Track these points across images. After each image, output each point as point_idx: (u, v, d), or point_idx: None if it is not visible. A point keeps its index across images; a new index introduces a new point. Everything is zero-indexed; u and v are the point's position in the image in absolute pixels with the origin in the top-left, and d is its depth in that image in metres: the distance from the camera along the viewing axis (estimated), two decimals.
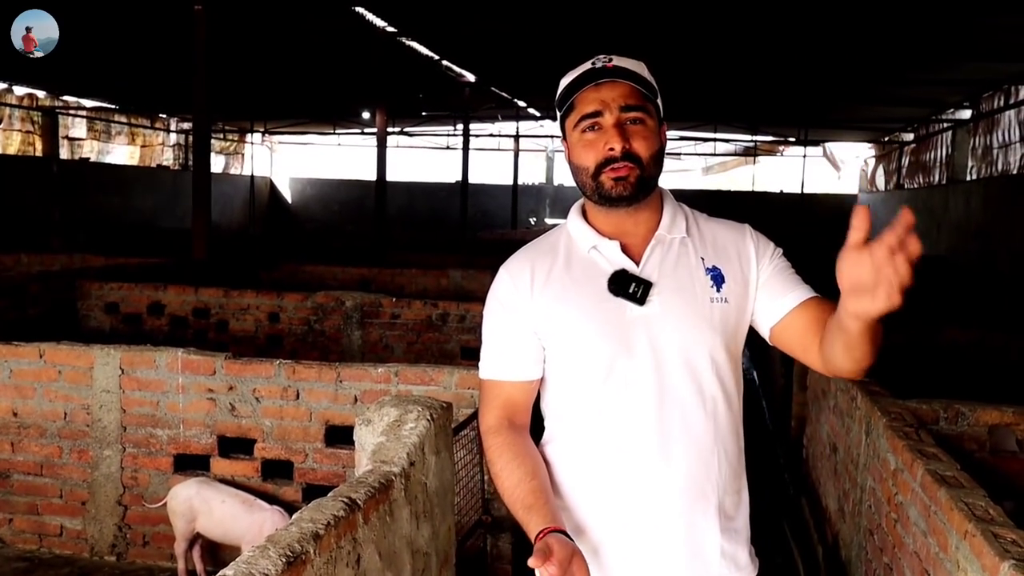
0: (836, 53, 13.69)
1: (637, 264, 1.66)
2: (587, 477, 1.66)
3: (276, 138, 30.72)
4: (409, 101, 21.31)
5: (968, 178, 17.77)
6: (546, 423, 1.75)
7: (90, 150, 22.44)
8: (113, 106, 22.73)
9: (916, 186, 21.50)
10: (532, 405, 1.75)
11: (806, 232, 21.68)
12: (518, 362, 1.70)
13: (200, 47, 9.45)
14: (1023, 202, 13.89)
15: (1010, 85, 15.18)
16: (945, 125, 18.98)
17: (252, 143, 29.53)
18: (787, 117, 22.14)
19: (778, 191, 27.93)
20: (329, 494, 1.81)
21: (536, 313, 1.68)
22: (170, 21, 11.90)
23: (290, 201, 31.54)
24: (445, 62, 16.38)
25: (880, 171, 25.68)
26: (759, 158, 28.70)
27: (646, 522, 1.62)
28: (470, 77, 18.03)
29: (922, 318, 7.53)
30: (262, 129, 28.61)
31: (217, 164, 27.43)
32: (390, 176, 17.47)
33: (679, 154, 28.23)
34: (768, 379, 6.93)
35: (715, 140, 26.72)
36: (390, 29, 13.47)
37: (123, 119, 23.65)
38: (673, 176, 28.17)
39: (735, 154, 28.80)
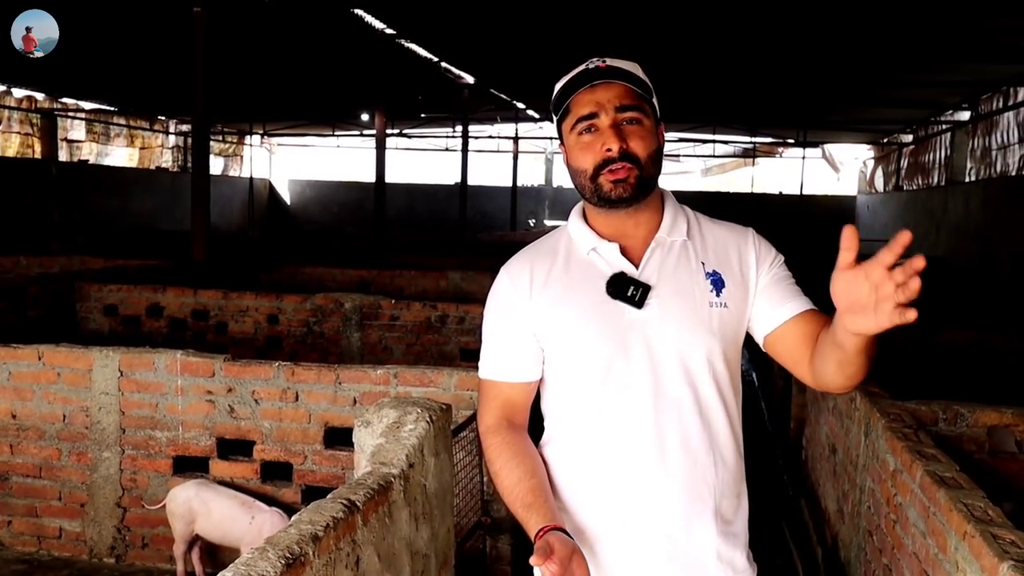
0: (835, 54, 13.71)
1: (636, 266, 1.66)
2: (585, 479, 1.66)
3: (275, 140, 30.73)
4: (408, 103, 21.31)
5: (967, 179, 17.78)
6: (545, 424, 1.75)
7: (89, 152, 22.44)
8: (112, 108, 22.74)
9: (915, 187, 21.52)
10: (531, 405, 1.75)
11: (805, 233, 21.72)
12: (517, 363, 1.70)
13: (199, 49, 9.46)
14: (1022, 203, 13.90)
15: (1009, 87, 15.20)
16: (944, 127, 19.00)
17: (251, 145, 29.53)
18: (786, 118, 22.16)
19: (777, 192, 27.94)
20: (328, 496, 1.81)
21: (535, 314, 1.68)
22: (169, 23, 11.91)
23: (289, 203, 31.54)
24: (444, 64, 16.39)
25: (879, 172, 25.70)
26: (758, 160, 28.72)
27: (642, 525, 1.62)
28: (469, 79, 18.04)
29: (921, 319, 7.53)
30: (261, 131, 28.62)
31: (216, 166, 27.45)
32: (389, 178, 17.48)
33: (678, 156, 28.26)
34: (767, 380, 6.93)
35: (714, 142, 26.74)
36: (389, 31, 13.48)
37: (122, 121, 23.66)
38: (672, 178, 28.19)
39: (734, 156, 28.82)
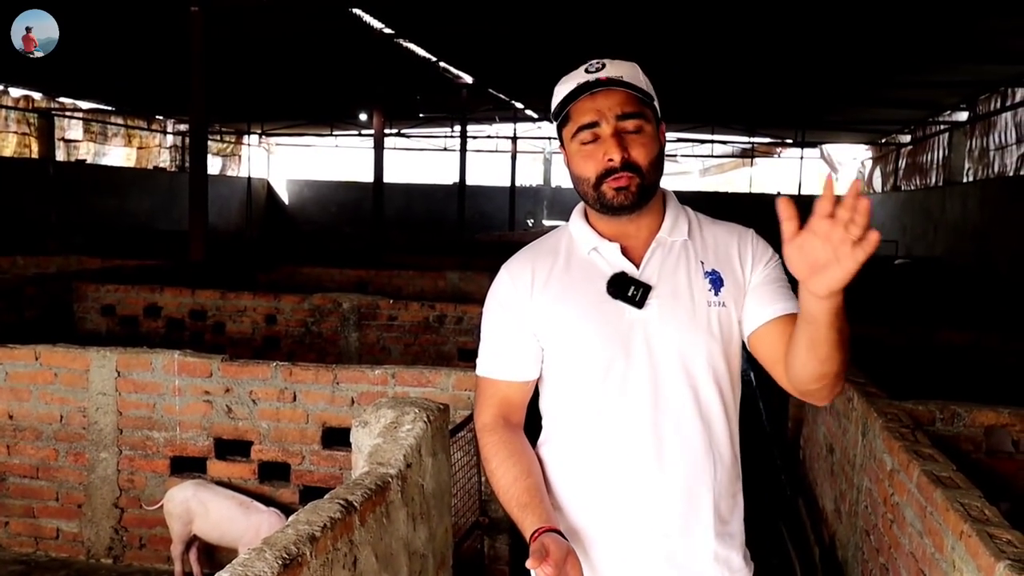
0: (833, 55, 13.73)
1: (637, 266, 1.66)
2: (582, 479, 1.66)
3: (273, 140, 30.73)
4: (406, 103, 21.32)
5: (965, 180, 17.81)
6: (543, 423, 1.75)
7: (86, 152, 22.43)
8: (109, 108, 22.73)
9: (913, 188, 21.55)
10: (528, 404, 1.75)
11: None
12: (515, 362, 1.70)
13: (197, 49, 9.45)
14: (1019, 203, 13.92)
15: (1006, 87, 15.23)
16: (942, 127, 19.03)
17: (249, 145, 29.53)
18: (784, 119, 22.19)
19: (775, 193, 27.96)
20: (325, 496, 1.81)
21: (535, 313, 1.68)
22: (167, 22, 11.91)
23: (287, 203, 31.53)
24: (442, 63, 16.39)
25: (877, 173, 25.73)
26: (756, 160, 28.75)
27: (639, 525, 1.62)
28: (467, 79, 18.04)
29: (919, 319, 7.55)
30: (259, 131, 28.62)
31: (214, 166, 27.45)
32: (387, 178, 17.50)
33: (676, 155, 28.27)
34: (765, 380, 6.91)
35: (712, 142, 26.77)
36: (387, 31, 13.48)
37: (119, 121, 23.65)
38: (671, 178, 28.20)
39: (732, 156, 28.85)
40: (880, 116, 20.55)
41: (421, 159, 30.47)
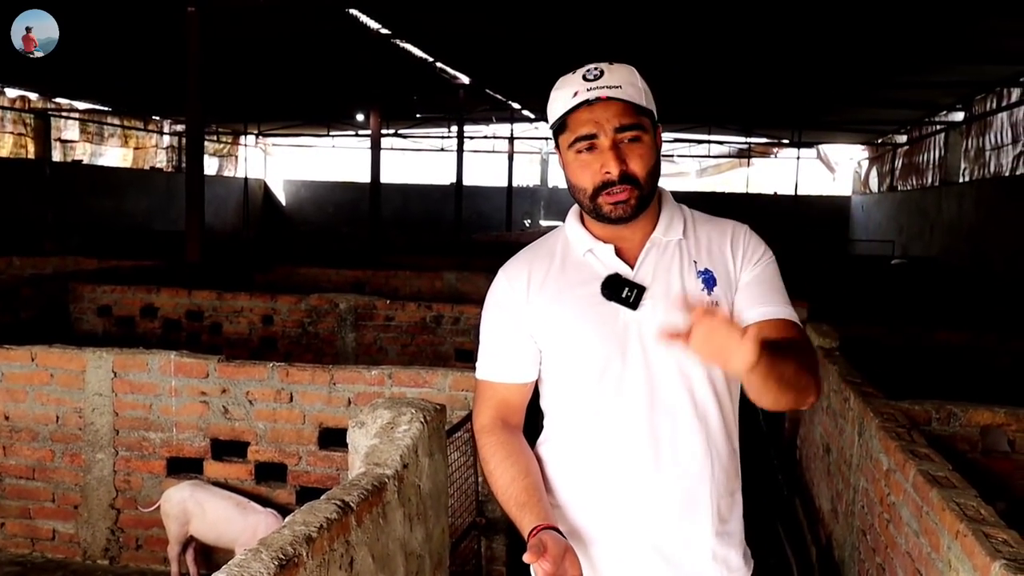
0: (830, 55, 13.74)
1: (632, 267, 1.66)
2: (580, 478, 1.67)
3: (270, 140, 30.70)
4: (403, 103, 21.30)
5: (961, 180, 17.84)
6: (544, 422, 1.75)
7: (83, 152, 22.39)
8: (106, 108, 22.69)
9: (909, 188, 21.59)
10: (527, 406, 1.75)
11: (800, 234, 21.76)
12: (513, 364, 1.71)
13: (193, 49, 9.43)
14: (1015, 203, 13.95)
15: (1002, 88, 15.25)
16: (938, 127, 19.06)
17: (246, 145, 29.50)
18: (781, 119, 22.21)
19: (772, 193, 28.00)
20: (322, 497, 1.81)
21: (532, 316, 1.69)
22: (163, 23, 11.88)
23: (284, 203, 31.50)
24: (439, 64, 16.38)
25: (873, 173, 25.77)
26: (753, 160, 28.77)
27: (637, 524, 1.62)
28: (464, 79, 18.03)
29: (915, 319, 7.56)
30: (256, 131, 28.58)
31: (211, 166, 27.40)
32: (384, 178, 17.49)
33: (673, 156, 28.29)
34: None
35: (709, 142, 26.77)
36: (384, 31, 13.47)
37: (116, 121, 23.61)
38: (668, 179, 28.20)
39: (729, 156, 28.87)
40: (876, 116, 20.58)
41: (418, 159, 30.45)
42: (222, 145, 28.89)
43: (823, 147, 27.32)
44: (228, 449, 4.18)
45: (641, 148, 1.61)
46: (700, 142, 26.64)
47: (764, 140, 27.10)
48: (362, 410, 2.32)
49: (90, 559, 4.23)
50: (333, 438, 4.04)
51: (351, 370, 4.06)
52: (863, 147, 26.60)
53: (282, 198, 31.56)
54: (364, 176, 18.58)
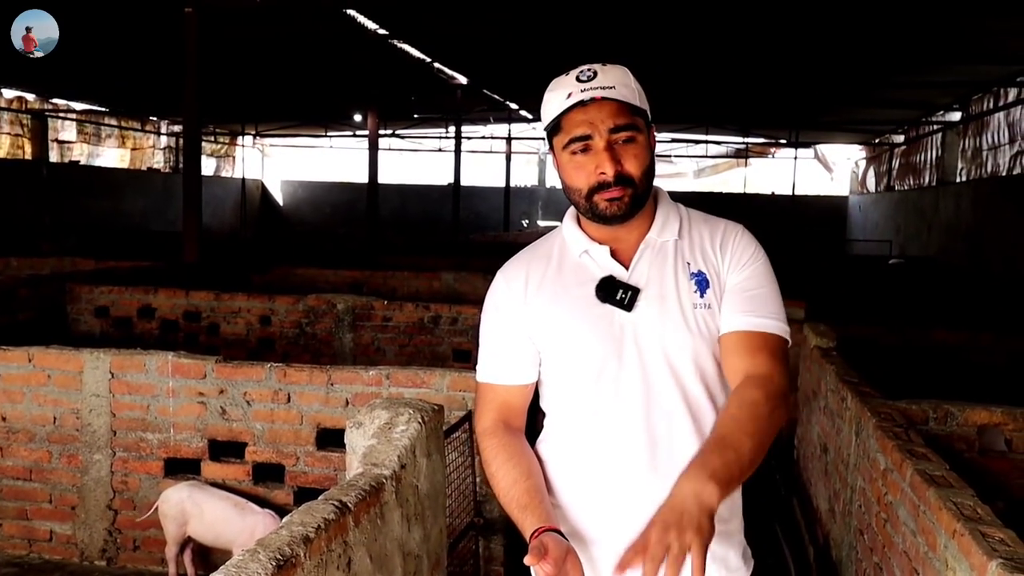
0: (827, 56, 13.76)
1: (627, 269, 1.67)
2: (578, 478, 1.67)
3: (267, 140, 30.68)
4: (401, 103, 21.30)
5: (958, 179, 17.87)
6: (544, 421, 1.76)
7: (80, 153, 22.37)
8: (103, 109, 22.67)
9: (906, 188, 21.61)
10: (528, 407, 1.76)
11: (797, 233, 21.79)
12: (513, 366, 1.71)
13: (191, 49, 9.43)
14: (1012, 203, 13.97)
15: (999, 88, 15.28)
16: (935, 127, 19.09)
17: (243, 146, 29.48)
18: (778, 119, 22.23)
19: (769, 193, 28.02)
20: (320, 497, 1.80)
21: (530, 317, 1.69)
22: (160, 23, 11.88)
23: (281, 204, 31.49)
24: (437, 64, 16.38)
25: (871, 173, 25.80)
26: (751, 160, 28.79)
27: (634, 524, 1.62)
28: (462, 79, 18.03)
29: (912, 319, 7.57)
30: (253, 132, 28.57)
31: (208, 167, 27.39)
32: (382, 178, 17.49)
33: (670, 156, 28.30)
34: None
35: (707, 142, 26.81)
36: (382, 31, 13.47)
37: (113, 122, 23.59)
38: (665, 179, 28.25)
39: (727, 156, 28.89)
40: (874, 116, 20.60)
41: (416, 160, 30.45)
42: (219, 146, 28.87)
43: (820, 147, 27.35)
44: (226, 450, 4.18)
45: (636, 148, 1.61)
46: (698, 142, 26.67)
47: (761, 140, 27.12)
48: (360, 410, 2.32)
49: (87, 560, 4.23)
50: (331, 439, 4.04)
51: (349, 370, 4.06)
52: (860, 147, 26.63)
53: (279, 199, 31.55)
54: (362, 176, 18.55)
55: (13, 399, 4.22)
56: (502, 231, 23.34)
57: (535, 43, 13.45)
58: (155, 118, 25.09)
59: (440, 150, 28.58)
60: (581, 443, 1.66)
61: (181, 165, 19.85)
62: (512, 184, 26.83)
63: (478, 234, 21.17)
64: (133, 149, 24.62)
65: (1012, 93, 14.86)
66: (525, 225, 28.01)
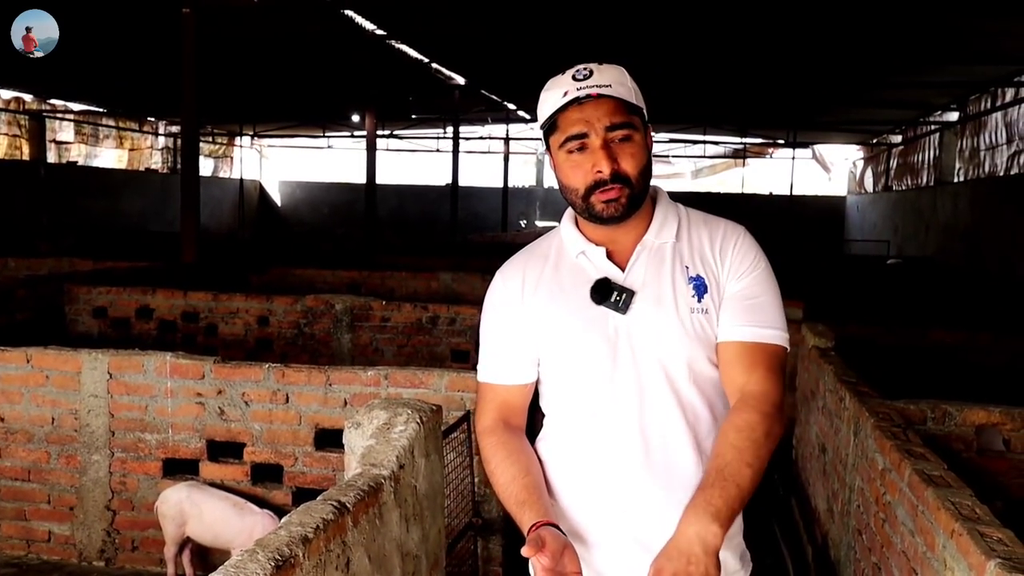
0: (825, 56, 13.76)
1: (623, 271, 1.66)
2: (574, 477, 1.68)
3: (265, 141, 30.66)
4: (399, 104, 21.29)
5: (956, 180, 17.88)
6: (543, 421, 1.76)
7: (78, 154, 22.34)
8: (101, 109, 22.65)
9: (904, 188, 21.63)
10: (528, 407, 1.76)
11: (795, 234, 21.80)
12: (512, 366, 1.72)
13: (188, 50, 9.42)
14: (1010, 203, 13.99)
15: (996, 87, 15.29)
16: (932, 127, 19.10)
17: (241, 146, 29.46)
18: (776, 119, 22.23)
19: (767, 193, 28.03)
20: (318, 497, 1.80)
21: (527, 317, 1.70)
22: (158, 24, 11.86)
23: (279, 204, 31.47)
24: (435, 65, 16.37)
25: (869, 173, 25.82)
26: (748, 160, 28.80)
27: (630, 526, 1.63)
28: (460, 80, 18.02)
29: (910, 319, 7.58)
30: (251, 132, 28.55)
31: (206, 167, 27.36)
32: (380, 179, 17.48)
33: (668, 156, 28.31)
34: None
35: (704, 142, 26.81)
36: (379, 32, 13.46)
37: (111, 122, 23.56)
38: (663, 180, 28.24)
39: (724, 156, 28.90)
40: (871, 116, 20.61)
41: (414, 160, 30.43)
42: (217, 146, 28.84)
43: (818, 147, 27.35)
44: (224, 450, 4.17)
45: (632, 147, 1.60)
46: (695, 142, 26.67)
47: (759, 140, 27.13)
48: (358, 411, 2.32)
49: (86, 561, 4.22)
50: (329, 439, 4.04)
51: (347, 371, 4.05)
52: (858, 147, 26.65)
53: (277, 199, 31.53)
54: (360, 177, 18.52)
55: (11, 400, 4.22)
56: (500, 231, 23.33)
57: (533, 43, 13.45)
58: (153, 119, 25.06)
59: (438, 150, 28.57)
60: (578, 443, 1.67)
61: (179, 166, 19.83)
62: (510, 184, 26.83)
63: (476, 234, 21.16)
64: (131, 150, 24.60)
65: (1009, 93, 14.87)
66: (523, 225, 28.00)
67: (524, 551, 1.41)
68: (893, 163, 22.92)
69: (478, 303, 1.79)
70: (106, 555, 4.22)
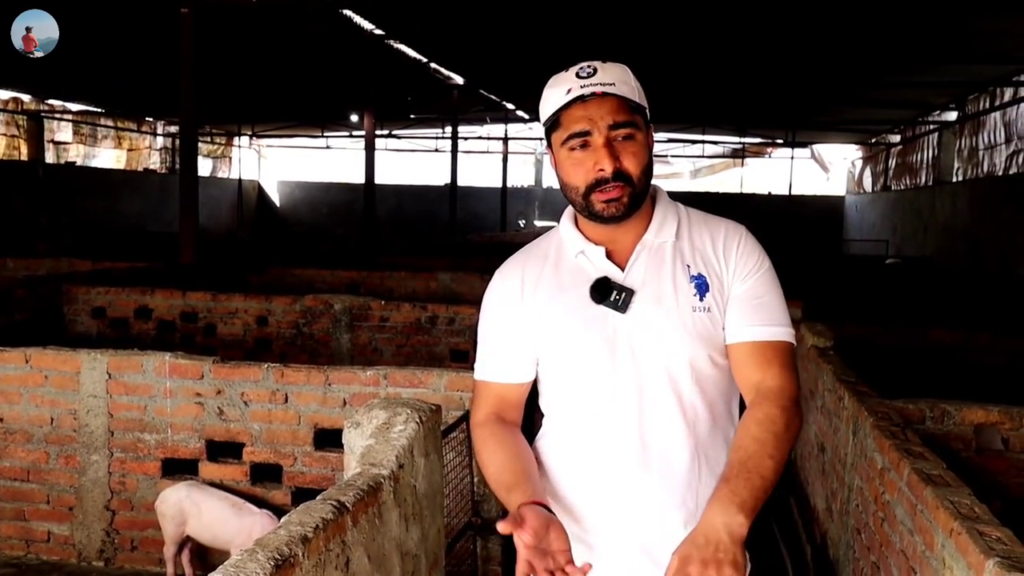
0: (824, 55, 13.77)
1: (623, 270, 1.66)
2: (573, 477, 1.68)
3: (264, 141, 30.65)
4: (397, 104, 21.29)
5: (954, 179, 17.89)
6: (542, 421, 1.76)
7: (76, 154, 22.33)
8: (99, 109, 22.63)
9: (903, 187, 21.64)
10: (524, 404, 1.75)
11: (794, 233, 21.81)
12: (509, 364, 1.71)
13: (187, 50, 9.42)
14: (1008, 203, 14.00)
15: (995, 87, 15.30)
16: (931, 127, 19.11)
17: (240, 146, 29.44)
18: (775, 119, 22.24)
19: (766, 193, 28.04)
20: (318, 497, 1.80)
21: (526, 317, 1.69)
22: (157, 24, 11.85)
23: (278, 204, 31.45)
24: (433, 64, 16.38)
25: (867, 173, 25.83)
26: (747, 160, 28.81)
27: (625, 526, 1.63)
28: (458, 79, 18.02)
29: (909, 319, 7.58)
30: (250, 132, 28.54)
31: (205, 167, 27.33)
32: (379, 179, 17.47)
33: (667, 156, 28.31)
34: None
35: (703, 142, 26.82)
36: (378, 32, 13.46)
37: (109, 123, 23.54)
38: (662, 180, 28.23)
39: (723, 156, 28.90)
40: (870, 116, 20.62)
41: (412, 160, 30.44)
42: (216, 146, 28.83)
43: (817, 147, 27.36)
44: (223, 450, 4.17)
45: (634, 146, 1.60)
46: (694, 142, 26.68)
47: (758, 140, 27.14)
48: (357, 411, 2.32)
49: (85, 561, 4.22)
50: (328, 439, 4.04)
51: (346, 371, 4.06)
52: (857, 147, 26.66)
53: (276, 199, 31.51)
54: (358, 177, 18.51)
55: (10, 400, 4.22)
56: (499, 231, 23.34)
57: (532, 43, 13.45)
58: (151, 119, 25.05)
59: (437, 150, 28.57)
60: (576, 443, 1.67)
61: (177, 166, 19.82)
62: (509, 184, 26.83)
63: (475, 234, 21.17)
64: (129, 150, 24.58)
65: (1008, 93, 14.88)
66: (522, 225, 28.00)
67: (500, 526, 1.40)
68: (892, 163, 22.93)
69: (477, 303, 1.79)
70: (105, 555, 4.22)
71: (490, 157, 29.03)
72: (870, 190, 25.22)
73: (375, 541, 1.90)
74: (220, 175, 29.11)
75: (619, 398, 1.62)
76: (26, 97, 20.31)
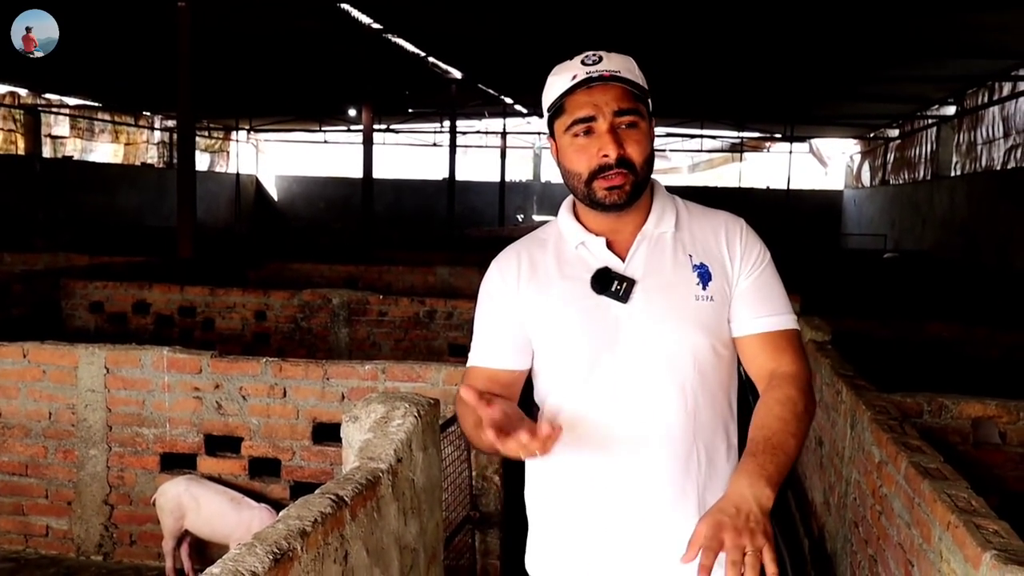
0: (822, 49, 13.75)
1: (623, 260, 1.66)
2: (571, 469, 1.67)
3: (262, 136, 30.59)
4: (395, 98, 21.25)
5: (952, 174, 17.90)
6: (538, 415, 1.75)
7: (73, 148, 22.27)
8: (96, 104, 22.57)
9: (901, 182, 21.65)
10: (517, 393, 1.73)
11: (792, 228, 21.81)
12: (503, 351, 1.70)
13: (184, 44, 9.40)
14: (1007, 197, 14.01)
15: (994, 82, 15.29)
16: (930, 121, 19.11)
17: (238, 141, 29.39)
18: (773, 114, 22.22)
19: (765, 187, 28.03)
20: (316, 491, 1.81)
21: (522, 306, 1.69)
22: (154, 18, 11.83)
23: (276, 199, 31.41)
24: (431, 59, 16.34)
25: (866, 167, 25.83)
26: (746, 155, 28.79)
27: (626, 516, 1.63)
28: (457, 74, 17.99)
29: (907, 313, 7.59)
30: (247, 127, 28.49)
31: (202, 162, 27.32)
32: (377, 173, 17.43)
33: (665, 151, 28.29)
34: None
35: (701, 136, 26.80)
36: (376, 26, 13.43)
37: (106, 117, 23.49)
38: (660, 174, 28.21)
39: (722, 151, 28.89)
40: (868, 110, 20.61)
41: (411, 155, 30.41)
42: (213, 141, 28.77)
43: (815, 141, 27.35)
44: (222, 444, 4.18)
45: (638, 134, 1.61)
46: (692, 137, 26.67)
47: (756, 134, 27.11)
48: (356, 405, 2.32)
49: (84, 555, 4.23)
50: (327, 433, 4.04)
51: (344, 365, 4.06)
52: (855, 141, 26.65)
53: (274, 194, 31.46)
54: (356, 171, 18.47)
55: (8, 395, 4.21)
56: (497, 226, 23.34)
57: (530, 38, 13.43)
58: (149, 113, 24.99)
59: (435, 145, 28.54)
60: (576, 431, 1.65)
61: (175, 160, 19.77)
62: (507, 179, 26.81)
63: (473, 229, 21.16)
64: (127, 144, 24.53)
65: (1007, 87, 14.87)
66: (520, 220, 27.99)
67: (461, 391, 1.45)
68: (890, 157, 22.93)
69: (475, 297, 1.79)
70: (104, 549, 4.22)
71: (488, 151, 29.01)
72: (868, 184, 25.22)
73: (374, 535, 1.90)
74: (218, 169, 29.06)
75: (620, 388, 1.61)
76: (23, 91, 20.25)
